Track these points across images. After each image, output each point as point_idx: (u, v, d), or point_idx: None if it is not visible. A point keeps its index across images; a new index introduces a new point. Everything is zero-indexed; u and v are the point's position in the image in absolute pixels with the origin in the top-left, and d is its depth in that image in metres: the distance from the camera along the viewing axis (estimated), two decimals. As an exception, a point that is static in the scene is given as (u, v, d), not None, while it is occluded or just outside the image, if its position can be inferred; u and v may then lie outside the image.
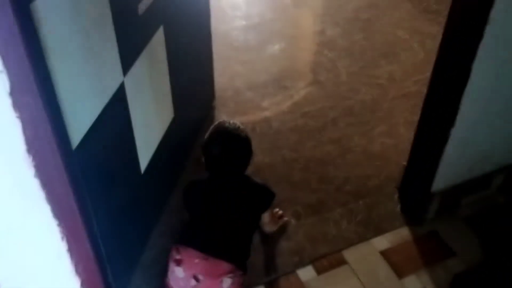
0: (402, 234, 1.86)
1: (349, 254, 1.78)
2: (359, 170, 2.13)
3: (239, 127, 1.58)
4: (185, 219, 1.73)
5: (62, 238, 1.17)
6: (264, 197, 1.65)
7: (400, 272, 1.73)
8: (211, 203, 1.58)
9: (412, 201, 1.92)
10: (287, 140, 2.28)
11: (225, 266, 1.50)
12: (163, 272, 1.70)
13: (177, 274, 1.51)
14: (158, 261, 1.74)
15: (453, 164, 1.78)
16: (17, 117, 0.95)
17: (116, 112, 1.35)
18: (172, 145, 1.85)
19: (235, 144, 1.56)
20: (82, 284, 1.30)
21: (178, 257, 1.51)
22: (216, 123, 1.63)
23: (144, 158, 1.61)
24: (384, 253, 1.79)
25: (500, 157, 1.90)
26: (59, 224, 1.14)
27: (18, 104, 0.94)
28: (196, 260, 1.49)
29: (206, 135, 1.60)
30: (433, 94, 1.67)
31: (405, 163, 1.93)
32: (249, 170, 1.66)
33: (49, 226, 1.13)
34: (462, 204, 1.94)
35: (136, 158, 1.56)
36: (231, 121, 1.60)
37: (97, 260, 1.30)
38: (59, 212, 1.12)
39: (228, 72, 2.66)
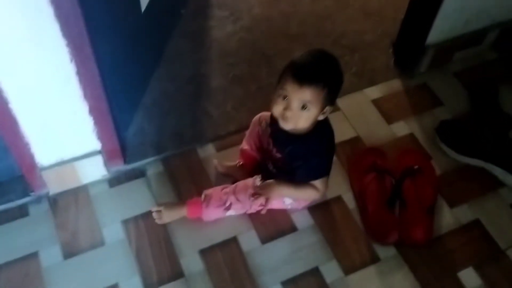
0: (394, 85, 1.92)
1: (342, 102, 1.84)
2: (356, 25, 2.14)
3: None
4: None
5: (71, 59, 1.20)
6: None
7: (389, 118, 1.82)
8: None
9: (406, 55, 1.96)
10: (285, -6, 2.24)
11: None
12: (162, 113, 1.78)
13: None
14: (158, 103, 1.81)
15: (449, 17, 1.79)
16: None
17: None
18: (170, -11, 1.82)
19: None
20: (90, 110, 1.37)
21: None
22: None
23: (144, -3, 1.60)
24: (376, 102, 1.86)
25: (496, 13, 1.91)
26: (68, 45, 1.17)
27: None
28: None
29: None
30: None
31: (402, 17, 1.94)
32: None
33: (58, 46, 1.16)
34: (454, 59, 1.98)
35: (136, -5, 1.55)
36: None
37: (103, 88, 1.35)
38: (67, 31, 1.14)
39: None
